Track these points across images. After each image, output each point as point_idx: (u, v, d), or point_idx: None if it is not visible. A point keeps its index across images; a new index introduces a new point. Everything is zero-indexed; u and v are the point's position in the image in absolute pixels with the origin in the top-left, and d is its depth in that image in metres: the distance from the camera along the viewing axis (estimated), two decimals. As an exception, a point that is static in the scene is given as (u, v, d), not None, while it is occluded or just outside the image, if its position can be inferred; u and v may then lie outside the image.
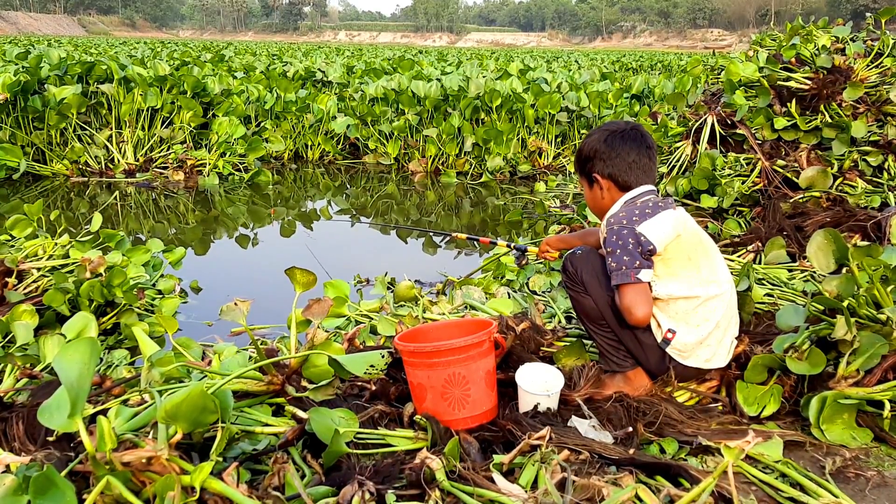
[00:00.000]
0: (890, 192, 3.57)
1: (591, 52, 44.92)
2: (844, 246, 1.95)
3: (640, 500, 1.41)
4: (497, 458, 1.60)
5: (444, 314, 2.86)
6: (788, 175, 3.77)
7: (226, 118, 6.56)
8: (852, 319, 1.84)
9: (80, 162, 6.31)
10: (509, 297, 3.01)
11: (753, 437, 1.36)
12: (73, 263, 2.92)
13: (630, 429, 1.76)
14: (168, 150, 6.57)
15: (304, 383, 1.82)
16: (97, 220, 3.32)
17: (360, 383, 2.02)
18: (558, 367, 2.00)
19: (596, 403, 1.92)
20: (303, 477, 1.50)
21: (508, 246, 3.08)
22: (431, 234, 4.77)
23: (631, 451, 1.61)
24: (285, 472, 1.43)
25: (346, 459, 1.58)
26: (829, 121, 3.82)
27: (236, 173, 6.35)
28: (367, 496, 1.36)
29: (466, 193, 6.19)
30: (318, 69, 10.49)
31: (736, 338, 2.02)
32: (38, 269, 2.88)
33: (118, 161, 6.36)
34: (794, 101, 3.93)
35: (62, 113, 6.08)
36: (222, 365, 2.02)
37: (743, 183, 3.81)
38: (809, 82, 3.95)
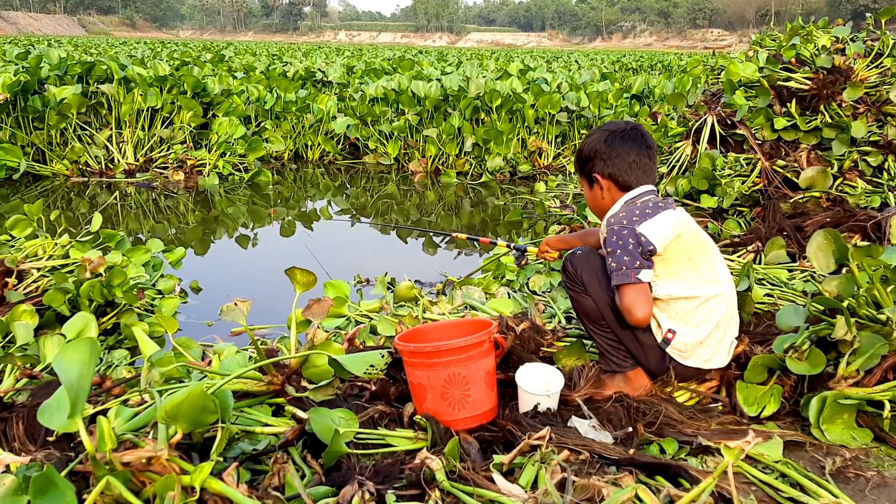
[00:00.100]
0: (890, 192, 3.57)
1: (591, 53, 44.94)
2: (844, 246, 1.95)
3: (640, 500, 1.41)
4: (497, 458, 1.60)
5: (444, 314, 2.86)
6: (788, 175, 3.77)
7: (226, 118, 6.56)
8: (852, 319, 1.84)
9: (80, 162, 6.31)
10: (509, 298, 3.01)
11: (753, 438, 1.36)
12: (73, 263, 2.92)
13: (630, 429, 1.76)
14: (168, 150, 6.57)
15: (304, 383, 1.82)
16: (97, 220, 3.32)
17: (360, 383, 2.02)
18: (558, 367, 2.00)
19: (596, 403, 1.92)
20: (303, 477, 1.50)
21: (508, 246, 3.08)
22: (431, 234, 4.77)
23: (631, 451, 1.61)
24: (285, 472, 1.43)
25: (346, 459, 1.58)
26: (829, 121, 3.82)
27: (236, 173, 6.35)
28: (367, 496, 1.36)
29: (466, 193, 6.19)
30: (318, 69, 10.49)
31: (736, 338, 2.02)
32: (38, 269, 2.88)
33: (118, 161, 6.36)
34: (794, 102, 3.93)
35: (62, 113, 6.08)
36: (222, 365, 2.02)
37: (743, 183, 3.81)
38: (809, 82, 3.95)
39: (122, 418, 1.39)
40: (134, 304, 2.88)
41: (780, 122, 3.88)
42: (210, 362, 2.10)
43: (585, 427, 1.74)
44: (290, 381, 1.76)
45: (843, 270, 1.98)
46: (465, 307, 2.93)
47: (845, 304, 1.92)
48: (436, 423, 1.71)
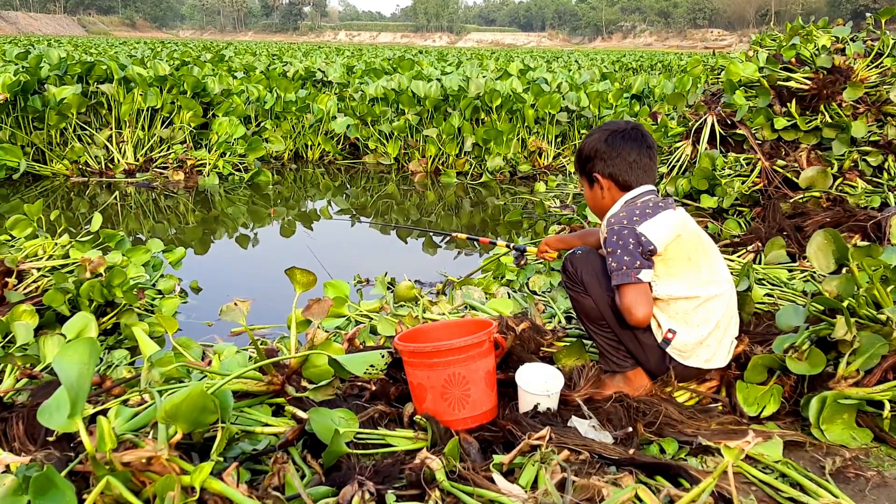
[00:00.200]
0: (890, 192, 3.57)
1: (591, 52, 44.93)
2: (844, 246, 1.95)
3: (640, 500, 1.41)
4: (497, 458, 1.60)
5: (444, 314, 2.86)
6: (788, 175, 3.77)
7: (226, 118, 6.56)
8: (852, 319, 1.84)
9: (80, 162, 6.31)
10: (509, 297, 3.01)
11: (753, 438, 1.36)
12: (73, 263, 2.92)
13: (630, 429, 1.76)
14: (168, 150, 6.57)
15: (304, 383, 1.82)
16: (97, 220, 3.32)
17: (360, 383, 2.02)
18: (558, 367, 2.00)
19: (596, 403, 1.92)
20: (303, 477, 1.50)
21: (508, 246, 3.08)
22: (431, 234, 4.77)
23: (631, 451, 1.61)
24: (285, 472, 1.43)
25: (346, 459, 1.58)
26: (829, 121, 3.82)
27: (236, 173, 6.35)
28: (367, 496, 1.36)
29: (466, 193, 6.19)
30: (318, 69, 10.49)
31: (736, 338, 2.02)
32: (38, 269, 2.88)
33: (118, 161, 6.36)
34: (794, 101, 3.93)
35: (62, 113, 6.08)
36: (222, 365, 2.02)
37: (743, 183, 3.81)
38: (809, 82, 3.95)
39: (122, 418, 1.39)
40: (134, 304, 2.88)
41: (780, 122, 3.88)
42: (210, 362, 2.10)
43: (585, 427, 1.75)
44: (290, 381, 1.77)
45: (843, 270, 1.98)
46: (465, 307, 2.93)
47: (845, 304, 1.92)
48: (436, 423, 1.71)
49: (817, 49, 4.18)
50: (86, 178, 6.24)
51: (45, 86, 6.23)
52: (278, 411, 1.74)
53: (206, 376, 1.74)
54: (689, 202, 3.92)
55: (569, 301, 2.18)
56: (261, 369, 1.70)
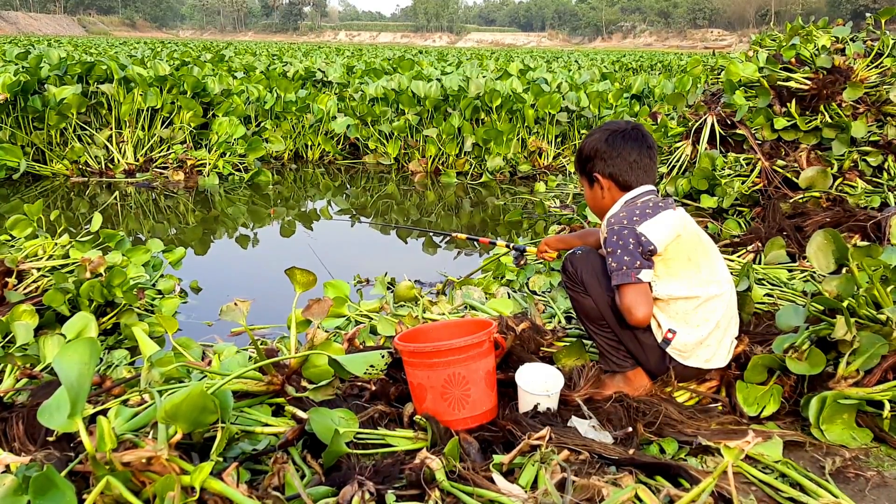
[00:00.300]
0: (890, 192, 3.57)
1: (591, 52, 44.93)
2: (844, 246, 1.95)
3: (640, 500, 1.41)
4: (497, 458, 1.60)
5: (444, 314, 2.86)
6: (788, 175, 3.77)
7: (226, 118, 6.56)
8: (852, 319, 1.84)
9: (80, 162, 6.31)
10: (509, 297, 3.01)
11: (753, 438, 1.36)
12: (73, 263, 2.92)
13: (630, 429, 1.76)
14: (168, 150, 6.57)
15: (304, 383, 1.82)
16: (97, 220, 3.32)
17: (360, 383, 2.02)
18: (558, 368, 2.00)
19: (596, 403, 1.92)
20: (303, 477, 1.50)
21: (508, 246, 3.08)
22: (431, 234, 4.77)
23: (631, 451, 1.61)
24: (285, 472, 1.43)
25: (346, 459, 1.58)
26: (829, 121, 3.82)
27: (236, 173, 6.35)
28: (367, 496, 1.36)
29: (466, 193, 6.19)
30: (318, 69, 10.49)
31: (736, 338, 2.02)
32: (38, 269, 2.88)
33: (118, 161, 6.36)
34: (794, 102, 3.93)
35: (62, 113, 6.08)
36: (222, 365, 2.02)
37: (743, 183, 3.81)
38: (809, 82, 3.95)
39: (122, 418, 1.39)
40: (134, 304, 2.88)
41: (780, 122, 3.88)
42: (210, 362, 2.10)
43: (585, 427, 1.75)
44: (290, 381, 1.77)
45: (843, 270, 1.98)
46: (465, 307, 2.93)
47: (845, 304, 1.92)
48: (436, 423, 1.71)
49: (817, 49, 4.18)
50: (86, 178, 6.24)
51: (45, 86, 6.23)
52: (278, 411, 1.74)
53: (206, 376, 1.74)
54: (689, 202, 3.92)
55: (569, 301, 2.18)
56: (261, 369, 1.71)
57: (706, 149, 4.08)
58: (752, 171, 3.88)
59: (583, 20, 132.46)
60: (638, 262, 1.84)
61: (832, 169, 3.72)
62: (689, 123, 4.32)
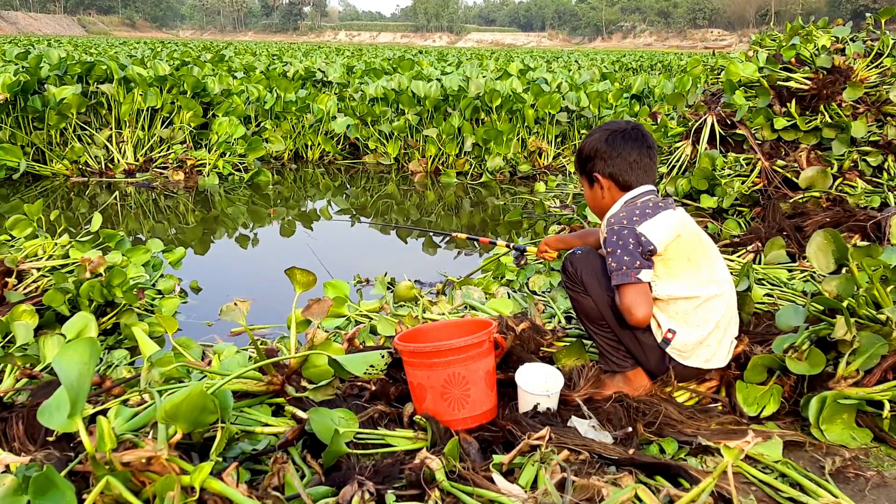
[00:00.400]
0: (890, 192, 3.57)
1: (591, 52, 44.94)
2: (844, 246, 1.95)
3: (640, 500, 1.41)
4: (497, 458, 1.60)
5: (444, 314, 2.86)
6: (788, 175, 3.77)
7: (226, 118, 6.56)
8: (852, 319, 1.84)
9: (80, 162, 6.31)
10: (509, 297, 3.01)
11: (753, 437, 1.36)
12: (73, 263, 2.92)
13: (630, 429, 1.76)
14: (168, 150, 6.57)
15: (303, 383, 1.82)
16: (97, 220, 3.32)
17: (360, 383, 2.02)
18: (558, 367, 2.00)
19: (596, 403, 1.92)
20: (302, 477, 1.50)
21: (508, 246, 3.08)
22: (431, 234, 4.77)
23: (631, 451, 1.61)
24: (285, 472, 1.43)
25: (345, 459, 1.58)
26: (829, 121, 3.82)
27: (236, 173, 6.35)
28: (367, 496, 1.36)
29: (466, 193, 6.19)
30: (318, 69, 10.49)
31: (736, 338, 2.02)
32: (38, 269, 2.88)
33: (118, 161, 6.36)
34: (793, 101, 3.93)
35: (62, 113, 6.08)
36: (222, 365, 2.02)
37: (743, 183, 3.81)
38: (809, 82, 3.95)
39: (121, 418, 1.39)
40: (134, 304, 2.88)
41: (780, 122, 3.88)
42: (210, 362, 2.10)
43: (585, 427, 1.75)
44: (289, 381, 1.77)
45: (843, 270, 1.98)
46: (465, 307, 2.93)
47: (845, 304, 1.92)
48: (435, 423, 1.71)
49: (817, 49, 4.18)
50: (86, 178, 6.24)
51: (45, 86, 6.23)
52: (278, 411, 1.74)
53: (206, 376, 1.74)
54: (689, 202, 3.92)
55: (569, 301, 2.18)
56: (261, 369, 1.71)
57: (706, 149, 4.08)
58: (752, 171, 3.88)
59: (583, 20, 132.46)
60: (638, 262, 1.84)
61: (832, 169, 3.72)
62: (689, 123, 4.32)
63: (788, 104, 3.94)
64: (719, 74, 4.80)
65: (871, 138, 3.80)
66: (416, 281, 3.45)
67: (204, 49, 22.96)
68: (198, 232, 4.87)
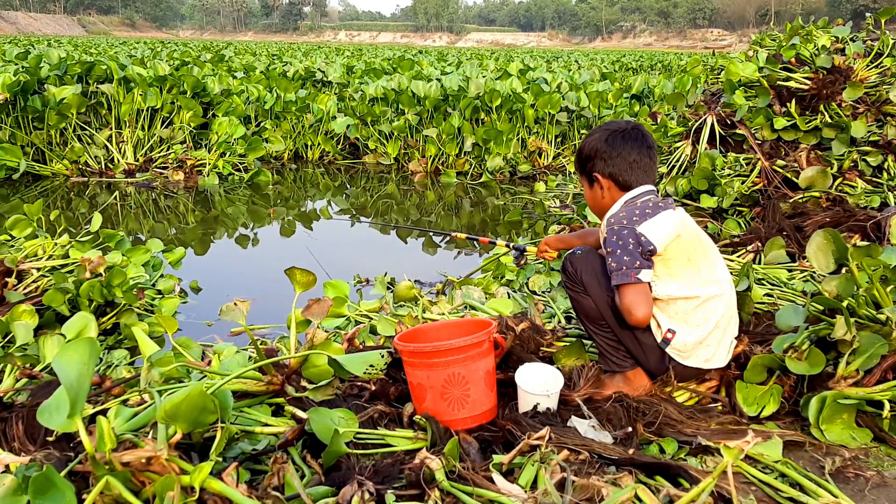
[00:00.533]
0: (890, 192, 3.57)
1: (591, 52, 44.93)
2: (844, 246, 1.95)
3: (640, 500, 1.41)
4: (497, 458, 1.60)
5: (443, 314, 2.86)
6: (788, 175, 3.77)
7: (226, 118, 6.56)
8: (852, 319, 1.84)
9: (80, 162, 6.31)
10: (509, 297, 3.01)
11: (753, 437, 1.36)
12: (73, 263, 2.93)
13: (630, 429, 1.76)
14: (168, 150, 6.57)
15: (303, 383, 1.82)
16: (97, 220, 3.32)
17: (359, 383, 2.02)
18: (558, 367, 2.00)
19: (595, 403, 1.92)
20: (302, 477, 1.50)
21: (507, 246, 3.08)
22: (431, 234, 4.77)
23: (630, 451, 1.61)
24: (285, 472, 1.43)
25: (345, 459, 1.58)
26: (829, 121, 3.82)
27: (236, 173, 6.35)
28: (367, 496, 1.36)
29: (466, 193, 6.19)
30: (318, 69, 10.49)
31: (735, 338, 2.02)
32: (38, 269, 2.88)
33: (118, 161, 6.36)
34: (793, 101, 3.93)
35: (62, 113, 6.08)
36: (222, 365, 2.02)
37: (743, 183, 3.81)
38: (809, 82, 3.95)
39: (121, 418, 1.39)
40: (134, 304, 2.88)
41: (780, 122, 3.88)
42: (210, 362, 2.10)
43: (585, 427, 1.75)
44: (289, 381, 1.77)
45: (843, 270, 1.98)
46: (465, 307, 2.93)
47: (845, 304, 1.92)
48: (435, 423, 1.71)
49: (817, 49, 4.18)
50: (86, 178, 6.24)
51: (45, 86, 6.23)
52: (278, 411, 1.74)
53: (205, 376, 1.74)
54: (689, 202, 3.92)
55: (569, 301, 2.18)
56: (260, 369, 1.71)
57: (706, 149, 4.08)
58: (751, 171, 3.88)
59: (583, 20, 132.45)
60: (638, 262, 1.84)
61: (832, 169, 3.72)
62: (689, 123, 4.32)
63: (788, 104, 3.94)
64: (719, 74, 4.80)
65: (871, 138, 3.80)
66: (416, 281, 3.45)
67: (204, 49, 22.97)
68: (198, 232, 4.87)
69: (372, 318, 2.80)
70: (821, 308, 2.00)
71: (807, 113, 3.94)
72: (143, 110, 6.43)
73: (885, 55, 4.02)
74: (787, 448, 1.72)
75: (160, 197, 5.81)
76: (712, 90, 4.64)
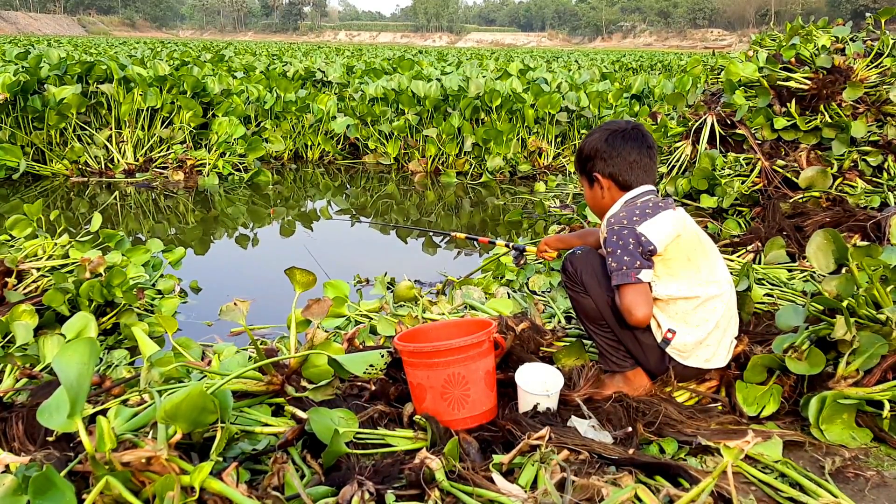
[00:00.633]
0: (890, 192, 3.57)
1: (591, 52, 44.93)
2: (844, 246, 1.95)
3: (640, 499, 1.41)
4: (497, 458, 1.60)
5: (443, 314, 2.86)
6: (788, 175, 3.77)
7: (226, 118, 6.56)
8: (852, 319, 1.84)
9: (79, 162, 6.31)
10: (509, 297, 3.01)
11: (753, 437, 1.36)
12: (73, 263, 2.92)
13: (630, 429, 1.76)
14: (168, 150, 6.57)
15: (303, 383, 1.82)
16: (97, 220, 3.32)
17: (359, 383, 2.02)
18: (558, 367, 2.00)
19: (595, 403, 1.92)
20: (302, 477, 1.50)
21: (507, 246, 3.08)
22: (431, 234, 4.77)
23: (630, 451, 1.61)
24: (285, 472, 1.43)
25: (345, 459, 1.58)
26: (829, 121, 3.82)
27: (236, 173, 6.35)
28: (367, 496, 1.36)
29: (466, 193, 6.19)
30: (318, 69, 10.49)
31: (735, 338, 2.02)
32: (38, 269, 2.88)
33: (118, 161, 6.36)
34: (793, 101, 3.93)
35: (62, 113, 6.08)
36: (222, 365, 2.02)
37: (743, 183, 3.81)
38: (809, 82, 3.95)
39: (121, 418, 1.39)
40: (134, 304, 2.88)
41: (780, 122, 3.88)
42: (210, 362, 2.10)
43: (585, 427, 1.75)
44: (289, 381, 1.77)
45: (843, 270, 1.98)
46: (465, 307, 2.93)
47: (845, 304, 1.92)
48: (435, 423, 1.71)
49: (817, 49, 4.18)
50: (86, 178, 6.24)
51: (45, 86, 6.22)
52: (278, 411, 1.74)
53: (205, 376, 1.74)
54: (689, 202, 3.92)
55: (569, 301, 2.18)
56: (260, 369, 1.71)
57: (706, 149, 4.08)
58: (751, 170, 3.88)
59: (583, 20, 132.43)
60: (638, 263, 1.84)
61: (832, 169, 3.72)
62: (689, 123, 4.32)
63: (788, 104, 3.94)
64: (719, 74, 4.80)
65: (871, 138, 3.80)
66: (415, 281, 3.45)
67: (204, 49, 22.97)
68: (198, 232, 4.87)
69: (372, 318, 2.80)
70: (821, 308, 2.00)
71: (807, 113, 3.94)
72: (142, 110, 6.43)
73: (885, 55, 4.02)
74: (787, 448, 1.72)
75: (160, 197, 5.81)
76: (712, 90, 4.64)
